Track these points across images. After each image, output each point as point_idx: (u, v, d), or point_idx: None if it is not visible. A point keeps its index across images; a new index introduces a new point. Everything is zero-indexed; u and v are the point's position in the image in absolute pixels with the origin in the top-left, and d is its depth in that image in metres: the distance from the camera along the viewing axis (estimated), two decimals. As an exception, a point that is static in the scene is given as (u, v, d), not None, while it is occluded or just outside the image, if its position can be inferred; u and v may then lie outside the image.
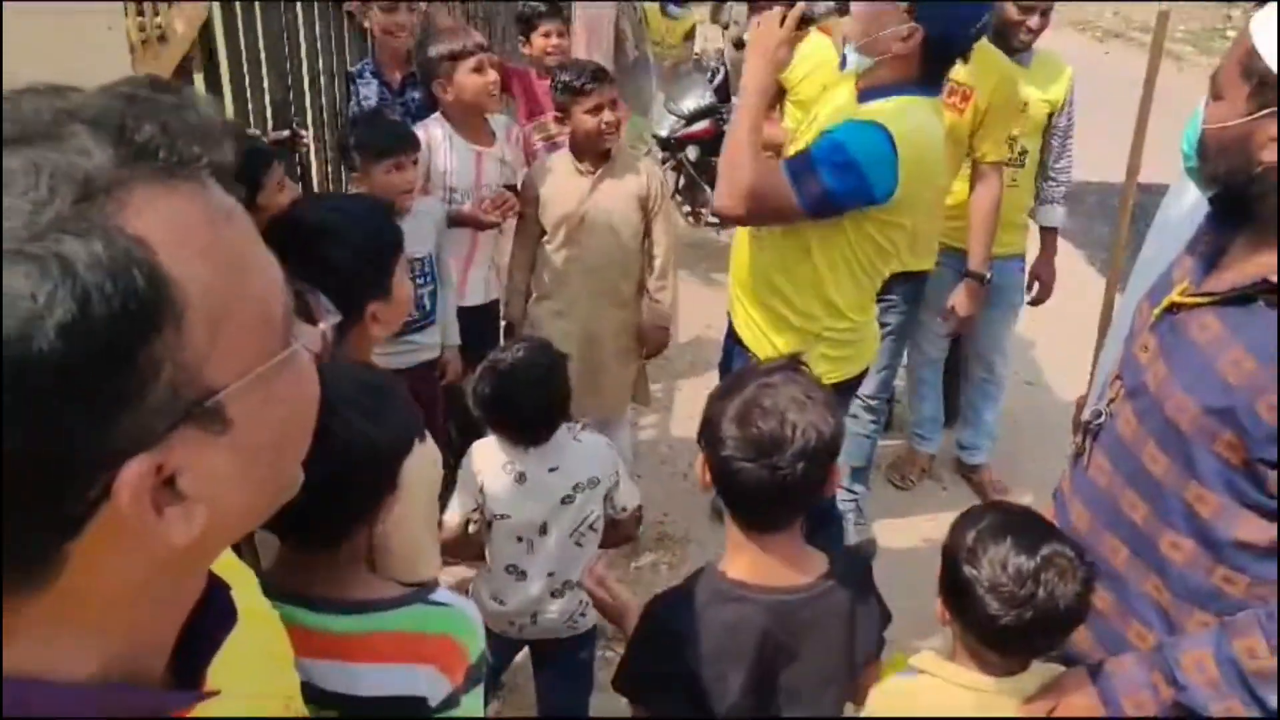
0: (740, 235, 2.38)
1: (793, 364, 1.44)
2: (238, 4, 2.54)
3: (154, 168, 0.51)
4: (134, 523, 0.50)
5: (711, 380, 2.85)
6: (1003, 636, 1.33)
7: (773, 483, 1.32)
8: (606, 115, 2.75)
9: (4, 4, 0.88)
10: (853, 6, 2.10)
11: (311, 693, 1.11)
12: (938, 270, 3.18)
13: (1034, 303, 3.52)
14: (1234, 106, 1.30)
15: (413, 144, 2.62)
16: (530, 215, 2.92)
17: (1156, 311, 1.46)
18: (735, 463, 1.34)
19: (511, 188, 3.00)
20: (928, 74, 2.08)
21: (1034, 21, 3.07)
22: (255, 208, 2.09)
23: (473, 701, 1.24)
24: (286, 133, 2.73)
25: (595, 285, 2.92)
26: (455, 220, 2.88)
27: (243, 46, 2.58)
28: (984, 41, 3.10)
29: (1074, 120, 3.28)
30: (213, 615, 0.63)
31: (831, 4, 2.10)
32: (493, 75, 2.84)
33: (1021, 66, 3.08)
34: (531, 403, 2.01)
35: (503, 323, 3.14)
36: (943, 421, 3.70)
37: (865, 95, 2.09)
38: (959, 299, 3.11)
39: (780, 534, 1.42)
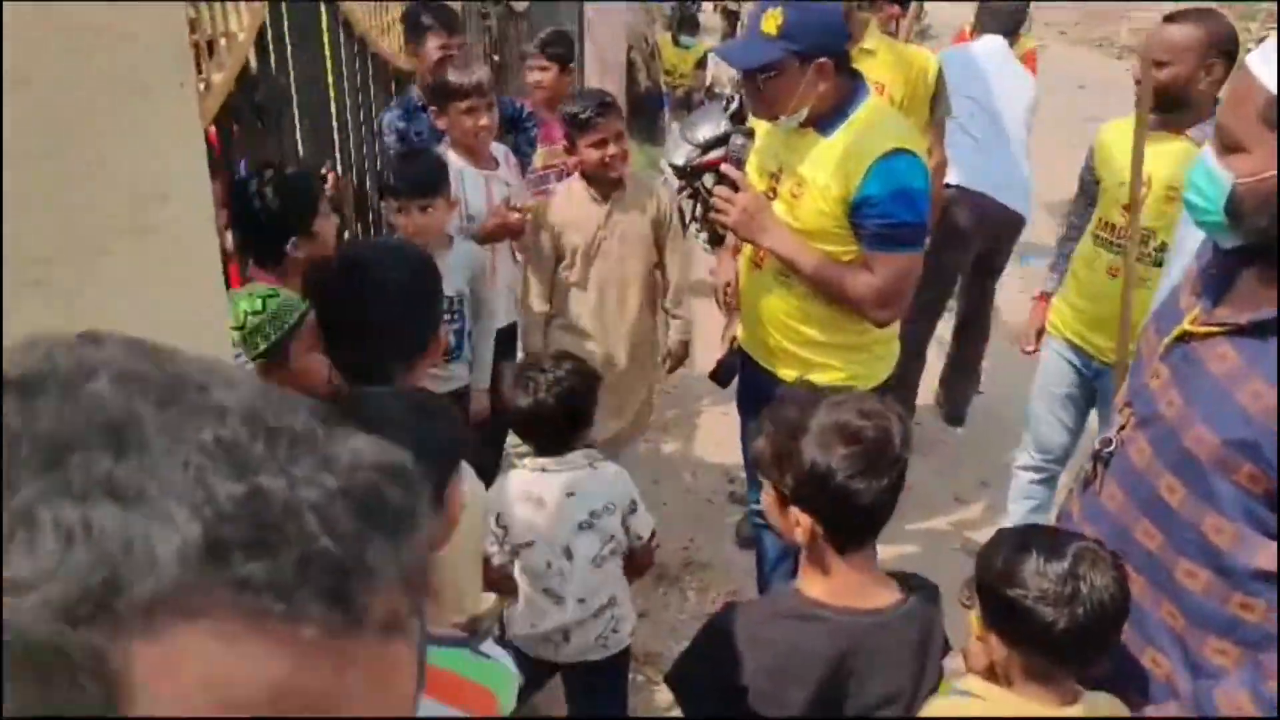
0: (753, 281, 2.41)
1: (821, 388, 1.49)
2: (271, 50, 2.62)
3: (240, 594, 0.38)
4: None
5: (732, 407, 2.90)
6: (1062, 643, 1.34)
7: (891, 484, 1.36)
8: (611, 149, 2.79)
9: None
10: (755, 100, 2.22)
11: None
12: None
13: None
14: (1265, 157, 1.27)
15: (441, 187, 2.65)
16: (545, 244, 2.96)
17: (1167, 341, 1.46)
18: (854, 481, 1.35)
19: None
20: (854, 77, 2.21)
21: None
22: (313, 237, 2.15)
23: None
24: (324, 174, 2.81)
25: (612, 309, 2.98)
26: (482, 239, 2.93)
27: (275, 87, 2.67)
28: (888, 39, 3.27)
29: None
30: None
31: (743, 139, 2.23)
32: (484, 120, 2.87)
33: (1193, 143, 2.46)
34: (564, 410, 2.08)
35: (521, 346, 3.18)
36: None
37: (822, 125, 2.18)
38: None
39: (863, 551, 1.45)
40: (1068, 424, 2.96)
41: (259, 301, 2.00)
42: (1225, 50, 2.49)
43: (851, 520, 1.42)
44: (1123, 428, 1.55)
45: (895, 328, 2.41)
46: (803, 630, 1.44)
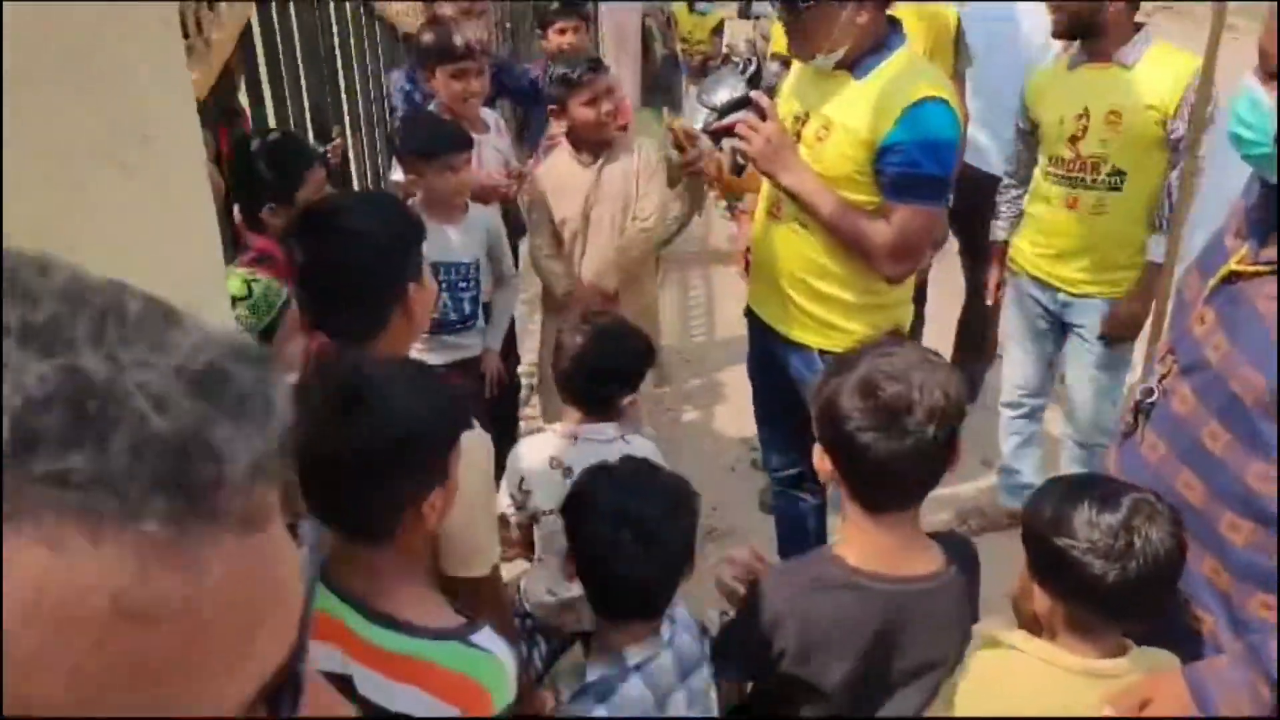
0: (769, 233, 2.32)
1: (898, 338, 1.43)
2: (273, 8, 2.57)
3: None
4: None
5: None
6: (1112, 598, 1.29)
7: (904, 450, 1.30)
8: (604, 105, 2.74)
9: None
10: (794, 34, 2.11)
11: (351, 694, 1.14)
12: None
13: (1104, 339, 2.87)
14: None
15: (461, 144, 2.61)
16: (542, 213, 2.93)
17: (1213, 282, 1.41)
18: (863, 434, 1.31)
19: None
20: (892, 24, 2.13)
21: None
22: (293, 205, 2.12)
23: None
24: (328, 146, 2.76)
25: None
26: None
27: (280, 52, 2.61)
28: None
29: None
30: None
31: (779, 66, 2.11)
32: (474, 85, 2.83)
33: (1122, 66, 2.64)
34: (614, 364, 2.06)
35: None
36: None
37: (856, 67, 2.09)
38: None
39: (903, 515, 1.40)
40: (1039, 357, 3.07)
41: (242, 285, 1.99)
42: None
43: (866, 476, 1.36)
44: (1164, 376, 1.49)
45: (910, 288, 2.32)
46: (843, 600, 1.40)
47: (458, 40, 2.77)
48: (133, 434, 0.34)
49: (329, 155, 2.82)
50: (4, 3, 0.77)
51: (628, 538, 1.41)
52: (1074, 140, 2.71)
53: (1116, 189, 2.69)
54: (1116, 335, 2.84)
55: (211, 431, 0.36)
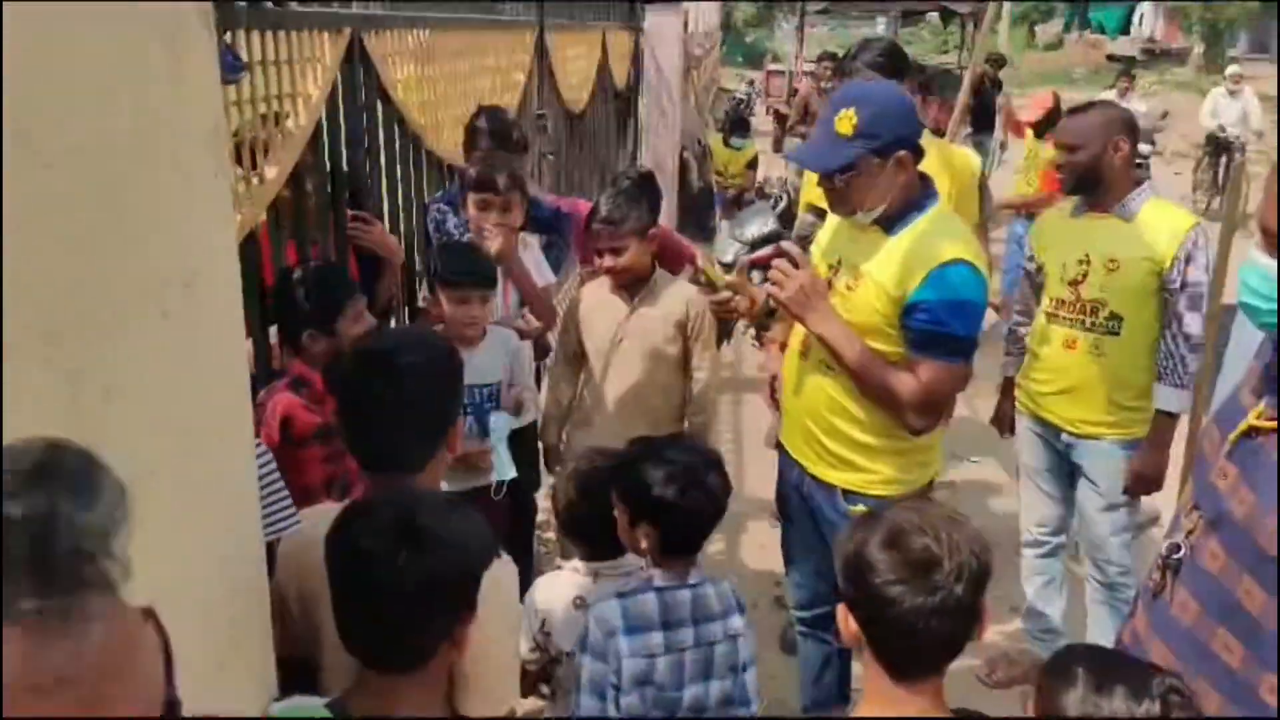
0: (799, 372, 2.35)
1: (926, 497, 1.42)
2: (325, 148, 2.70)
3: None
4: None
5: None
6: None
7: (931, 606, 1.27)
8: (495, 217, 2.83)
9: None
10: (835, 199, 2.19)
11: None
12: None
13: (1126, 491, 2.87)
14: None
15: (484, 281, 2.69)
16: (570, 340, 2.96)
17: (1232, 437, 1.42)
18: (890, 588, 1.29)
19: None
20: (922, 180, 2.20)
21: None
22: (334, 335, 2.19)
23: None
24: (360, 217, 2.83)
25: (633, 411, 2.85)
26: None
27: (329, 183, 2.73)
28: (936, 139, 3.24)
29: (1194, 281, 2.69)
30: None
31: (814, 218, 2.17)
32: (494, 218, 2.87)
33: (1121, 218, 2.77)
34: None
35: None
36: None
37: (889, 223, 2.16)
38: None
39: (926, 685, 1.36)
40: (1055, 495, 3.10)
41: None
42: (1127, 128, 2.83)
43: (891, 633, 1.33)
44: (1190, 532, 1.47)
45: (938, 437, 2.33)
46: None
47: (483, 172, 2.88)
48: None
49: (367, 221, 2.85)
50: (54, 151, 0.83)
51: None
52: (1075, 284, 2.85)
53: (1114, 333, 2.79)
54: (1140, 490, 2.84)
55: (56, 509, 0.42)
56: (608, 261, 2.79)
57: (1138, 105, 10.15)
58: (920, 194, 2.18)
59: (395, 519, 1.23)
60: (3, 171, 0.75)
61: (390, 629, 1.22)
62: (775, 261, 2.19)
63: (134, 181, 0.94)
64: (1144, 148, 7.17)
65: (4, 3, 0.74)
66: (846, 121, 2.07)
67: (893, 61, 2.98)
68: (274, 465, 1.69)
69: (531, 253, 3.19)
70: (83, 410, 0.81)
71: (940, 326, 2.07)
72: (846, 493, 2.27)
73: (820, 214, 2.21)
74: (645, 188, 2.87)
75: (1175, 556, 1.50)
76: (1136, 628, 1.60)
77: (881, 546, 1.32)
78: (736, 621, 1.98)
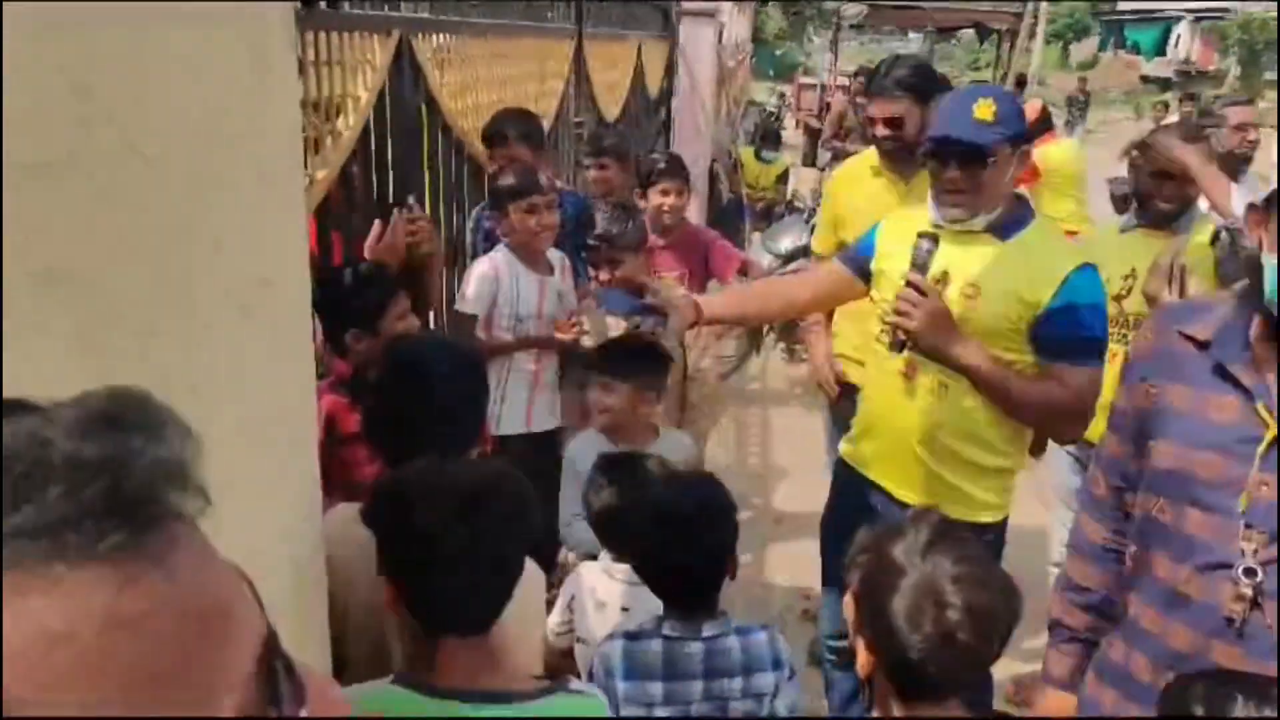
0: (899, 394, 2.26)
1: (950, 527, 1.39)
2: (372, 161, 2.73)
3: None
4: None
5: (809, 523, 2.80)
6: None
7: (951, 658, 1.26)
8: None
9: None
10: (968, 189, 2.14)
11: None
12: None
13: None
14: None
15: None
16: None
17: (1261, 449, 1.41)
18: (912, 652, 1.27)
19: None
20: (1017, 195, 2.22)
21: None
22: (377, 335, 2.20)
23: None
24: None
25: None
26: (527, 343, 2.98)
27: (374, 185, 2.76)
28: None
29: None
30: None
31: (929, 244, 2.15)
32: (548, 219, 2.90)
33: (1170, 233, 2.84)
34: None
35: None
36: None
37: (1000, 231, 2.15)
38: None
39: (935, 705, 1.33)
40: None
41: None
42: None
43: (906, 677, 1.31)
44: (1256, 551, 1.44)
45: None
46: None
47: (528, 176, 2.89)
48: (65, 479, 0.41)
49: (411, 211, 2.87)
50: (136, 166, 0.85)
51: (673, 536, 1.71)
52: (1119, 299, 2.85)
53: None
54: None
55: (128, 448, 0.43)
56: (604, 274, 2.82)
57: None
58: (1020, 203, 2.21)
59: (453, 490, 1.27)
60: (105, 169, 0.77)
61: (469, 591, 1.26)
62: (902, 293, 2.12)
63: (218, 178, 0.96)
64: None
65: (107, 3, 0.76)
66: (987, 109, 2.08)
67: (923, 80, 2.92)
68: None
69: (564, 280, 3.18)
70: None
71: (1085, 330, 2.07)
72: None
73: (935, 240, 2.14)
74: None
75: (1254, 582, 1.44)
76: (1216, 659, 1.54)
77: (905, 615, 1.27)
78: (765, 679, 1.75)
